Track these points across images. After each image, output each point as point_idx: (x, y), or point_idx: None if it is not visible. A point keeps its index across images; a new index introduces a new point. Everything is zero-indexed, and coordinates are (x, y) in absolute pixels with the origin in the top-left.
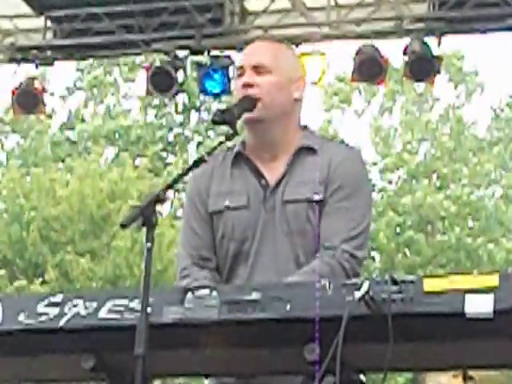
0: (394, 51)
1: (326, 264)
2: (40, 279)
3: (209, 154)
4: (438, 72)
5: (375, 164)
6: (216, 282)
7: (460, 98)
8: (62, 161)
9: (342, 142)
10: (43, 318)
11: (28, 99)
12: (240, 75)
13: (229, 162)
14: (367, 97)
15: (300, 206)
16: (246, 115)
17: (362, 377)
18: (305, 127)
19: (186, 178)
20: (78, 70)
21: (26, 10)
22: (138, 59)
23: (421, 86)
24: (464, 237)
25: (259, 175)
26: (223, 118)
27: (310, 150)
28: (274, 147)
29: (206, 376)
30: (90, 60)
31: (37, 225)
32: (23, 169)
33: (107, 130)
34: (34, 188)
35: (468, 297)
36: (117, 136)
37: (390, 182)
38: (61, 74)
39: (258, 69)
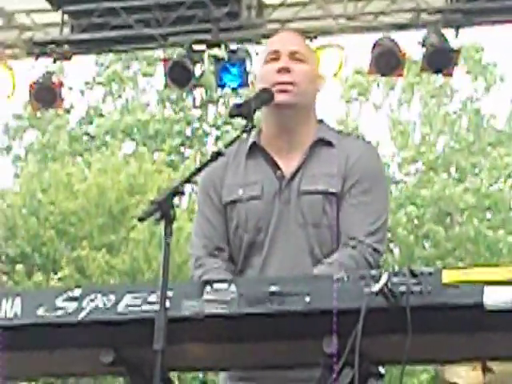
0: (413, 44)
1: (350, 257)
2: (57, 274)
3: (226, 147)
4: (456, 64)
5: (394, 157)
6: (231, 272)
7: (479, 91)
8: (81, 155)
9: (358, 136)
10: (62, 312)
11: (46, 94)
12: (273, 60)
13: (243, 153)
14: (386, 89)
15: (316, 198)
16: (280, 97)
17: (380, 369)
18: (320, 121)
19: None
20: (97, 64)
21: (44, 4)
22: (156, 53)
23: (439, 79)
24: (483, 229)
25: (275, 166)
26: (240, 111)
27: (327, 143)
28: (293, 137)
29: (225, 369)
30: (109, 55)
31: (54, 219)
32: (42, 164)
33: (125, 124)
34: (52, 183)
35: (487, 289)
36: (135, 130)
37: (409, 175)
38: (81, 69)
39: (294, 55)
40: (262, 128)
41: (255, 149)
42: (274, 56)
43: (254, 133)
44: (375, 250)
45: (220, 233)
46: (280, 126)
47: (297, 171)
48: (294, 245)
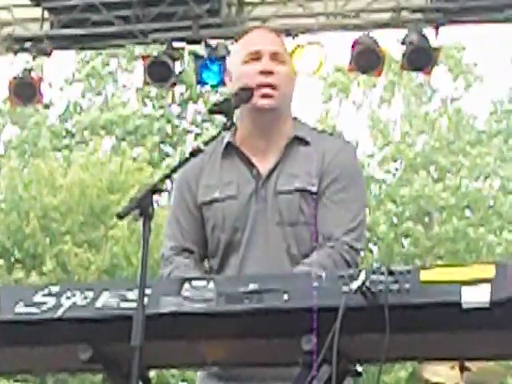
0: (394, 42)
1: (327, 256)
2: (38, 270)
3: (206, 144)
4: (436, 63)
5: (373, 155)
6: (200, 271)
7: (459, 90)
8: (59, 151)
9: (332, 133)
10: (40, 308)
11: (25, 90)
12: (254, 60)
13: (219, 153)
14: (366, 88)
15: (293, 197)
16: (263, 101)
17: (358, 367)
18: (294, 118)
19: None
20: (76, 60)
21: (24, 0)
22: (136, 50)
23: (420, 78)
24: (463, 228)
25: (251, 165)
26: (220, 109)
27: (303, 142)
28: (270, 137)
29: (202, 367)
30: (88, 51)
31: (36, 214)
32: (21, 159)
33: (105, 120)
34: (33, 178)
35: (465, 287)
36: (114, 126)
37: (388, 173)
38: (60, 65)
39: (275, 56)
40: (237, 127)
41: (230, 148)
42: (255, 56)
43: (229, 132)
44: (353, 247)
45: (190, 236)
46: (258, 127)
47: (273, 170)
48: (272, 244)
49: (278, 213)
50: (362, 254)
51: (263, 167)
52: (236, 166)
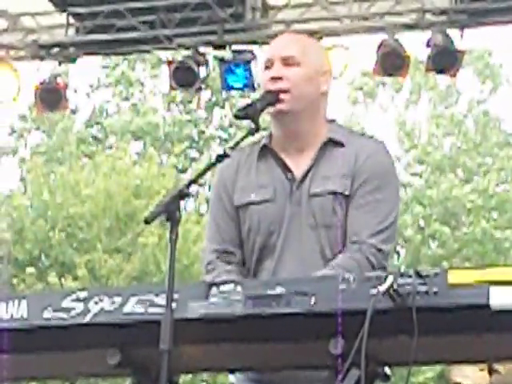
0: (419, 44)
1: (352, 259)
2: (66, 277)
3: (232, 148)
4: (460, 65)
5: (400, 158)
6: (242, 276)
7: (486, 92)
8: (89, 157)
9: (368, 135)
10: (68, 314)
11: (51, 96)
12: (267, 68)
13: (255, 156)
14: (392, 90)
15: (326, 200)
16: (275, 107)
17: (387, 370)
18: (332, 121)
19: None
20: (103, 67)
21: (49, 6)
22: (161, 55)
23: (447, 80)
24: (490, 229)
25: (286, 168)
26: (246, 113)
27: (337, 144)
28: (301, 139)
29: (231, 371)
30: (113, 57)
31: (62, 223)
32: (48, 166)
33: (136, 125)
34: (59, 186)
35: (493, 289)
36: (144, 133)
37: (415, 175)
38: (85, 71)
39: (286, 60)
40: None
41: (266, 151)
42: (268, 64)
43: (265, 135)
44: (379, 250)
45: (231, 237)
46: (284, 130)
47: (307, 173)
48: (306, 247)
49: (312, 215)
50: (389, 255)
51: (298, 170)
52: (271, 169)
